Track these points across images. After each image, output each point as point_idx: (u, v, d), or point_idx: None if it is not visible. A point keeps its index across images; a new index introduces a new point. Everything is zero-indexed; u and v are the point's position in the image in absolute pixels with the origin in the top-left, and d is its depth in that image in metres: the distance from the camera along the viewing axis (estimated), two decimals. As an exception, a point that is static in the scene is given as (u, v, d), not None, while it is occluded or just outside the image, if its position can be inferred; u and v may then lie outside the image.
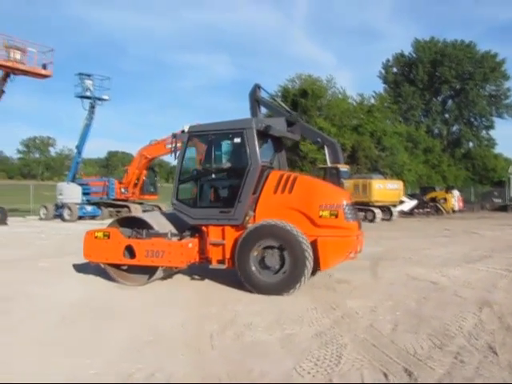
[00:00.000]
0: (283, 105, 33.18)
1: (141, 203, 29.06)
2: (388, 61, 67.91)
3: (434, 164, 56.07)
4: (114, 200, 28.40)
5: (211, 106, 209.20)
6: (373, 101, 52.60)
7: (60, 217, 27.72)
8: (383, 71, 67.91)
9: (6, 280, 9.59)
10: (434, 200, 36.03)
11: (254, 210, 8.74)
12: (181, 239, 9.02)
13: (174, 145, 9.38)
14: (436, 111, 65.44)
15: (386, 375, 4.81)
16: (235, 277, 8.81)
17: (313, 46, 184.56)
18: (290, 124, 10.21)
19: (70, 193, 28.20)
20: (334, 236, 8.31)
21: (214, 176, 9.54)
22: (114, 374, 4.83)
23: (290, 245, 8.15)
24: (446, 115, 66.80)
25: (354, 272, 10.26)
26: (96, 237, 9.19)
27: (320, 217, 8.36)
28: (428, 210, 34.91)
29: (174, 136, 9.44)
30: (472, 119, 66.44)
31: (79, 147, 30.00)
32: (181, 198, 9.36)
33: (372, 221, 26.89)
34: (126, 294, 8.49)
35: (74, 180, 29.57)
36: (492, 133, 66.43)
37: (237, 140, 8.98)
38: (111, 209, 27.84)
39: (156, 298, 8.15)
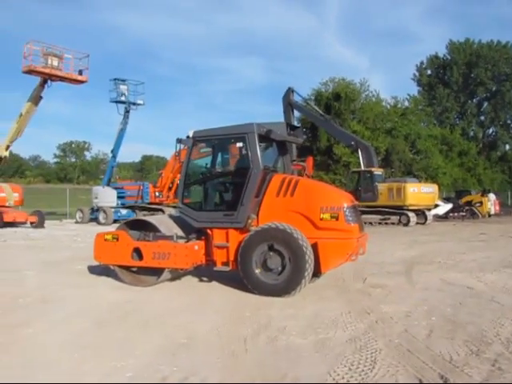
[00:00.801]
0: (316, 108, 33.41)
1: (175, 207, 29.28)
2: (422, 63, 67.37)
3: (469, 167, 55.25)
4: (148, 204, 28.69)
5: (245, 109, 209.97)
6: (407, 104, 52.43)
7: (95, 220, 28.19)
8: (417, 74, 67.36)
9: (45, 282, 9.77)
10: (469, 204, 35.47)
11: (258, 213, 8.86)
12: (187, 242, 9.19)
13: (178, 150, 9.65)
14: (471, 113, 64.59)
15: (421, 381, 4.74)
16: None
17: (346, 49, 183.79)
18: (292, 128, 10.39)
19: (106, 196, 28.66)
20: (335, 238, 8.39)
21: (217, 180, 9.82)
22: (149, 377, 4.87)
23: (290, 247, 8.25)
24: (482, 117, 65.87)
25: (389, 277, 10.20)
26: (106, 239, 9.47)
27: (321, 219, 8.46)
28: (463, 213, 34.39)
29: (179, 141, 9.63)
30: (509, 121, 65.36)
31: (114, 151, 30.45)
32: (186, 202, 9.60)
33: (406, 225, 26.60)
34: (160, 297, 8.57)
35: (109, 184, 30.03)
36: (529, 135, 65.26)
37: (239, 144, 9.18)
38: (146, 212, 28.10)
39: (190, 302, 8.20)
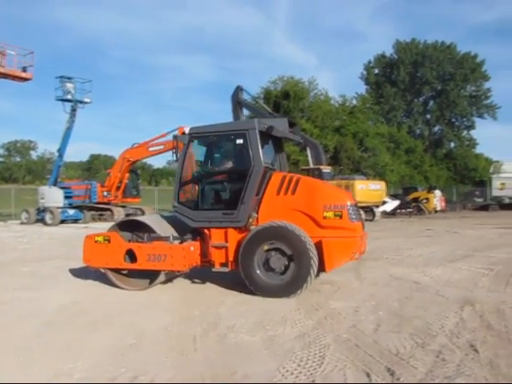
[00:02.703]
0: (265, 107, 33.37)
1: (123, 206, 29.00)
2: (369, 62, 68.49)
3: (416, 164, 56.45)
4: (96, 203, 28.31)
5: (194, 107, 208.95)
6: (355, 102, 53.20)
7: (42, 221, 27.55)
8: (365, 72, 68.44)
9: (-12, 285, 9.50)
10: (416, 200, 36.28)
11: (257, 212, 8.64)
12: (182, 242, 8.88)
13: (175, 147, 9.19)
14: (417, 112, 66.02)
15: (368, 375, 4.84)
16: (218, 278, 8.95)
17: (294, 48, 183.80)
18: (290, 125, 10.05)
19: (52, 196, 28.04)
20: (339, 237, 8.23)
21: (216, 178, 9.48)
22: (97, 379, 4.81)
23: (294, 246, 8.07)
24: (428, 116, 67.38)
25: (337, 273, 10.27)
26: (96, 241, 9.01)
27: (324, 218, 8.28)
28: (410, 210, 35.16)
29: (175, 137, 9.32)
30: (453, 120, 67.12)
31: (61, 150, 29.83)
32: (182, 201, 9.24)
33: (355, 221, 26.92)
34: (109, 298, 8.45)
35: (55, 184, 29.39)
36: (473, 133, 67.24)
37: (239, 141, 8.90)
38: (93, 212, 27.73)
39: (140, 302, 8.11)
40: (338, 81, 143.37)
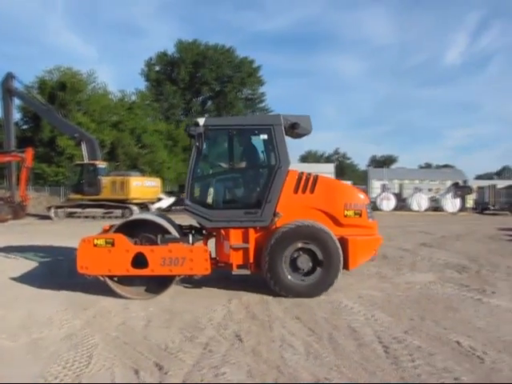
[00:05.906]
0: (38, 97, 31.90)
1: None
2: (151, 59, 68.39)
3: (192, 162, 57.85)
4: None
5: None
6: (134, 98, 53.01)
7: None
8: (146, 69, 68.23)
9: None
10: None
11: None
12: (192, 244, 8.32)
13: (198, 140, 8.30)
14: (196, 111, 67.64)
15: (137, 372, 4.87)
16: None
17: (74, 38, 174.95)
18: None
19: None
20: (362, 235, 8.36)
21: (236, 175, 9.04)
22: None
23: (325, 246, 7.96)
24: (206, 115, 69.43)
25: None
26: (96, 245, 7.80)
27: (345, 216, 8.31)
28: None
29: (187, 129, 8.42)
30: (229, 120, 70.07)
31: None
32: (195, 199, 8.61)
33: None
34: None
35: None
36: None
37: (263, 137, 8.52)
38: None
39: None
40: (119, 75, 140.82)
